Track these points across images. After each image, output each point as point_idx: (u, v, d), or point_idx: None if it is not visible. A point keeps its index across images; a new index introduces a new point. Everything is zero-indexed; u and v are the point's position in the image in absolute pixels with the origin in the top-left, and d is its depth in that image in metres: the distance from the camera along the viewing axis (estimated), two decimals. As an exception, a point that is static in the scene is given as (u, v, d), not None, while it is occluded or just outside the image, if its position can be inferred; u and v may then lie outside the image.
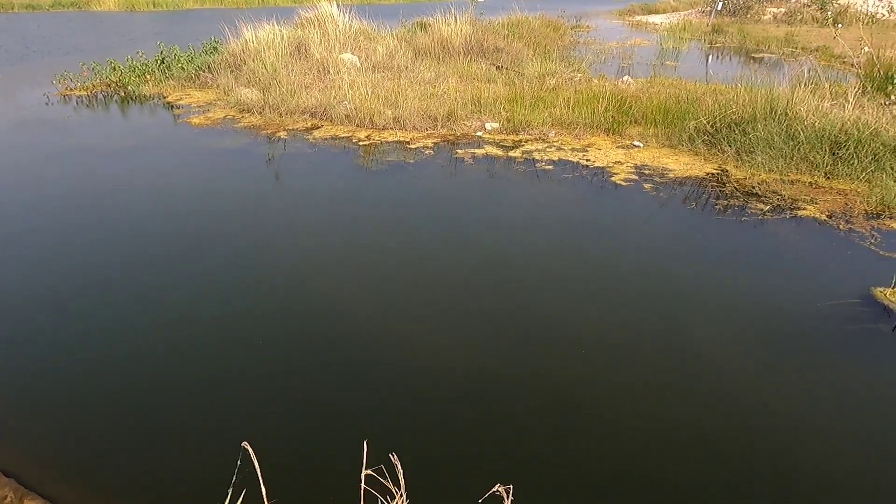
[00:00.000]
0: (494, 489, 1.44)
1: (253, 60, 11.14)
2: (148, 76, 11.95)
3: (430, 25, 14.87)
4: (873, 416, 3.23)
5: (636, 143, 7.72)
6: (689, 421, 3.17)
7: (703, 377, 3.52)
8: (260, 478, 1.37)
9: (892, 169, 6.17)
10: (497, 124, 8.46)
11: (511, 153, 7.49)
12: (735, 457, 2.93)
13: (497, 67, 12.03)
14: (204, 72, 11.84)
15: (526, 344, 3.82)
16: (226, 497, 1.67)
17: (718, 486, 2.77)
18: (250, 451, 1.37)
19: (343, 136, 8.25)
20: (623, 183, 6.47)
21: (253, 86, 10.21)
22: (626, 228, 5.54)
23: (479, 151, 7.57)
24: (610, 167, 6.93)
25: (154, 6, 48.54)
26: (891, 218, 5.48)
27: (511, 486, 1.45)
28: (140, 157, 7.64)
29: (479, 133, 8.29)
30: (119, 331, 3.93)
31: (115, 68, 11.93)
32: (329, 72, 10.88)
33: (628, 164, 7.00)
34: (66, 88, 11.50)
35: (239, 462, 1.62)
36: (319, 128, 8.62)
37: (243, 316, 4.09)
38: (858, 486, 2.78)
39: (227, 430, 3.02)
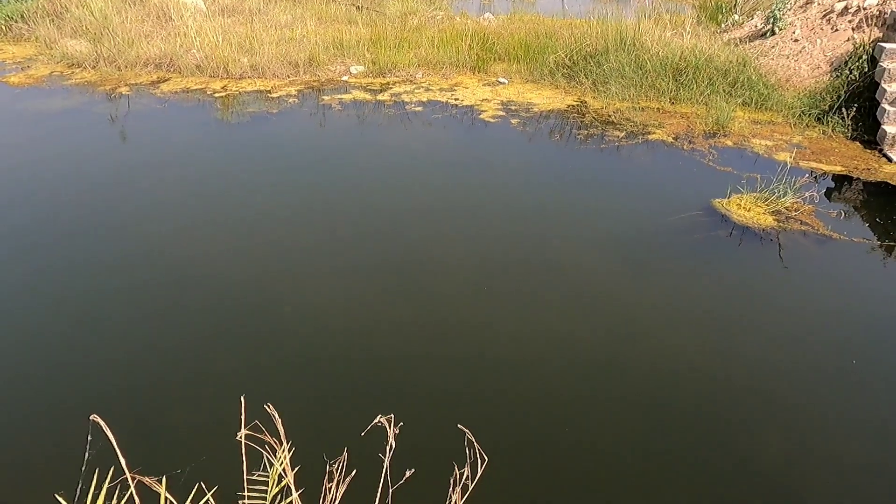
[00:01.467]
0: (376, 420, 1.45)
1: (77, 7, 9.74)
2: (-57, 30, 10.09)
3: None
4: (717, 308, 3.67)
5: (501, 79, 7.84)
6: (561, 330, 3.40)
7: (573, 290, 3.78)
8: (117, 449, 1.26)
9: (724, 91, 6.80)
10: (362, 67, 8.18)
11: (379, 97, 7.31)
12: (603, 360, 3.21)
13: (357, 7, 11.53)
14: (16, 22, 10.19)
15: (405, 279, 3.86)
16: (79, 474, 1.53)
17: (593, 385, 3.03)
18: (101, 423, 1.25)
19: (196, 88, 7.57)
20: (491, 120, 6.58)
21: (81, 36, 8.98)
22: (497, 164, 5.67)
23: (346, 97, 7.30)
24: (478, 105, 7.00)
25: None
26: (724, 136, 6.08)
27: (392, 416, 1.47)
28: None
29: (344, 77, 7.98)
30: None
31: None
32: (171, 18, 9.82)
33: (495, 101, 7.11)
34: None
35: (90, 437, 1.48)
36: (167, 80, 7.83)
37: (99, 285, 3.73)
38: (706, 364, 3.17)
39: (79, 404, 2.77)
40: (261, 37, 8.77)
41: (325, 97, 7.29)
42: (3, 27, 10.17)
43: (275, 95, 7.31)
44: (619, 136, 6.11)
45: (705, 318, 3.60)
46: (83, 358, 3.15)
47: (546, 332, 3.43)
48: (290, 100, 7.19)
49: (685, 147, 5.86)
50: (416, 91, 7.48)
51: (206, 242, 4.27)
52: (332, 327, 3.43)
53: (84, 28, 9.23)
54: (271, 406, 1.50)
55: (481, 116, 6.68)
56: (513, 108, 6.92)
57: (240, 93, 7.44)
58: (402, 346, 3.30)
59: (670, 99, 6.92)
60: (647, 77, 7.09)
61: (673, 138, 6.04)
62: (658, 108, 6.77)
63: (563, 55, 7.79)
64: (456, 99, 7.21)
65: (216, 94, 7.35)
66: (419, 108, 6.92)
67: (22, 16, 10.26)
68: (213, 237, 4.35)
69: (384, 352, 3.25)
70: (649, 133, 6.17)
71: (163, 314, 3.54)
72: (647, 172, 5.49)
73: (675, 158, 5.67)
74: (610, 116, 6.58)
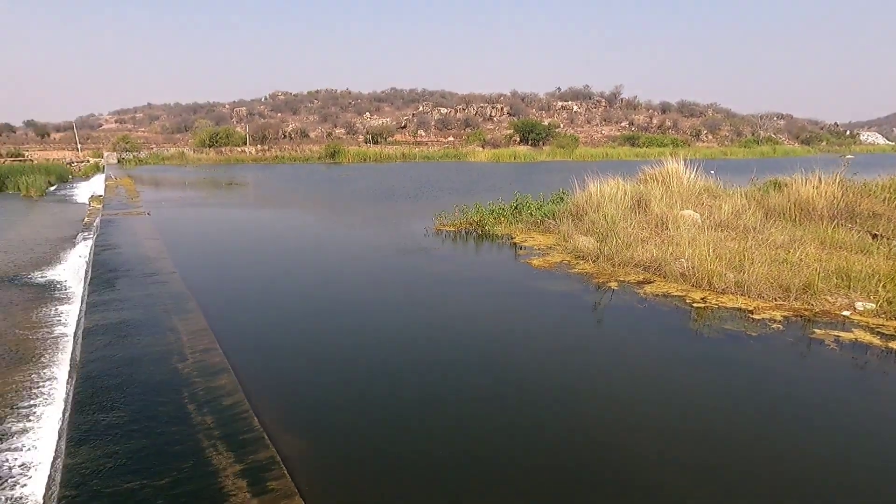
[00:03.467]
0: None
1: (594, 211, 11.89)
2: (502, 219, 13.82)
3: (786, 185, 13.71)
4: None
5: None
6: None
7: None
8: None
9: None
10: (873, 305, 7.01)
11: (892, 344, 6.05)
12: None
13: (874, 236, 10.22)
14: (549, 219, 13.11)
15: None
16: None
17: None
18: None
19: (676, 294, 7.94)
20: None
21: (591, 235, 10.82)
22: None
23: (844, 335, 6.33)
24: None
25: (514, 158, 57.31)
26: None
27: None
28: (479, 287, 8.68)
29: (845, 312, 6.99)
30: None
31: (478, 210, 14.18)
32: (667, 227, 10.85)
33: None
34: (441, 224, 14.09)
35: None
36: (651, 283, 8.50)
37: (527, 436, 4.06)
38: None
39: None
40: (752, 254, 8.69)
41: (817, 330, 6.49)
42: (539, 221, 13.22)
43: (756, 317, 6.95)
44: None
45: None
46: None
47: None
48: (774, 325, 6.70)
49: None
50: (951, 348, 5.89)
51: (641, 447, 4.18)
52: None
53: (594, 228, 11.09)
54: None
55: None
56: None
57: (718, 307, 7.38)
58: None
59: None
60: None
61: None
62: None
63: None
64: None
65: (694, 304, 7.50)
66: (955, 372, 5.37)
67: (553, 214, 13.15)
68: (652, 447, 4.22)
69: None
70: None
71: None
72: None
73: None
74: None
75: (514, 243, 11.90)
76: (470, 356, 6.10)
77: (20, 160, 48.30)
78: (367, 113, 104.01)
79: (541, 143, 72.31)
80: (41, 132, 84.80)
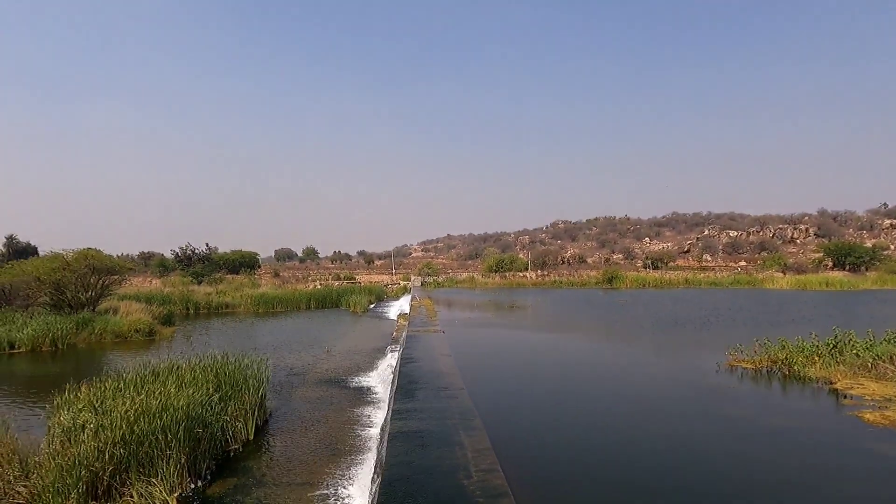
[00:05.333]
0: None
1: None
2: (815, 357, 11.66)
3: None
4: None
5: None
6: None
7: None
8: None
9: None
10: None
11: None
12: None
13: None
14: (884, 361, 10.59)
15: None
16: None
17: None
18: None
19: None
20: None
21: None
22: None
23: None
24: None
25: (826, 286, 48.82)
26: None
27: None
28: (791, 441, 7.26)
29: None
30: None
31: (783, 346, 12.28)
32: None
33: None
34: (735, 359, 12.54)
35: None
36: None
37: None
38: None
39: None
40: None
41: None
42: (870, 364, 10.78)
43: None
44: None
45: None
46: None
47: None
48: None
49: None
50: None
51: None
52: None
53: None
54: None
55: None
56: None
57: None
58: None
59: None
60: None
61: None
62: None
63: None
64: None
65: None
66: None
67: (891, 357, 10.61)
68: None
69: None
70: None
71: None
72: None
73: None
74: None
75: (835, 389, 9.83)
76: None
77: (352, 282, 59.83)
78: (647, 238, 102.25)
79: (863, 268, 60.63)
80: (368, 259, 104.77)
